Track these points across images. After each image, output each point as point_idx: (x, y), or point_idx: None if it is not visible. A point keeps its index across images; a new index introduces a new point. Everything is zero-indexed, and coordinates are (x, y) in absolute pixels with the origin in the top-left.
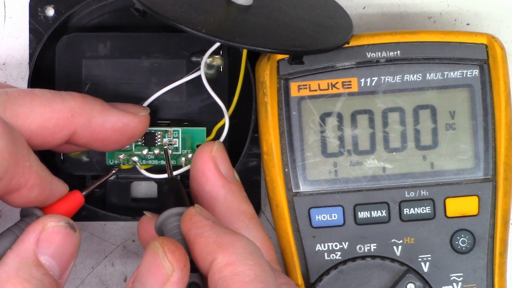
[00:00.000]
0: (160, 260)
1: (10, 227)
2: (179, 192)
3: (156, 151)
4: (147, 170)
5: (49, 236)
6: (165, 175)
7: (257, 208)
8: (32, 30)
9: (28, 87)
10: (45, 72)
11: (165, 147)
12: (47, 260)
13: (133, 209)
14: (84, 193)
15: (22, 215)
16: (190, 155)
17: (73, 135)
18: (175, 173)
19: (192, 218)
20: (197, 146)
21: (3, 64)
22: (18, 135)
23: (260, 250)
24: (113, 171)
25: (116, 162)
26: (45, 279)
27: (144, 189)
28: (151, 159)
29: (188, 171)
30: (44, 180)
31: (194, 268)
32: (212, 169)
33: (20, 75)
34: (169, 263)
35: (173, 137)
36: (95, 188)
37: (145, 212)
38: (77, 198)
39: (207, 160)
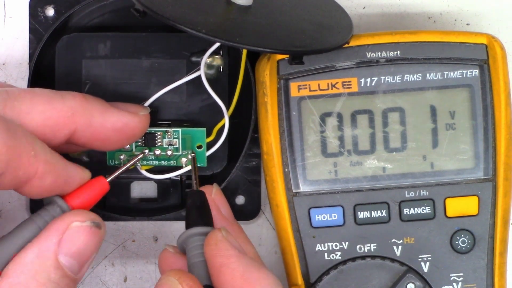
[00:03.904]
0: None
1: (31, 216)
2: (203, 207)
3: (157, 152)
4: (148, 170)
5: (73, 237)
6: (165, 176)
7: (257, 208)
8: (32, 30)
9: (28, 87)
10: (45, 72)
11: (192, 154)
12: (67, 260)
13: (133, 209)
14: (108, 179)
15: (44, 203)
16: (190, 156)
17: (73, 135)
18: (175, 174)
19: (218, 244)
20: (198, 147)
21: (3, 64)
22: (16, 126)
23: None
24: (140, 156)
25: (116, 162)
26: (61, 281)
27: (144, 189)
28: (152, 160)
29: (188, 172)
30: (56, 167)
31: None
32: (213, 212)
33: (20, 75)
34: None
35: (173, 138)
36: (120, 174)
37: (166, 246)
38: (101, 185)
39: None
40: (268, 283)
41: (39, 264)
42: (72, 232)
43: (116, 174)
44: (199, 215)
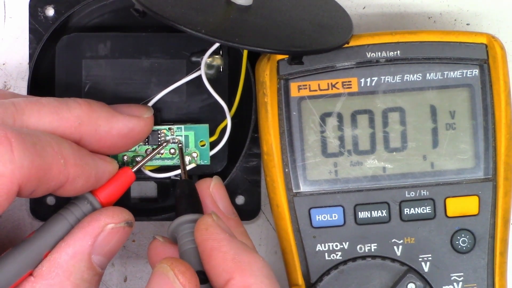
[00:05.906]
0: (171, 283)
1: (61, 212)
2: (192, 195)
3: (161, 151)
4: (150, 170)
5: (107, 238)
6: (165, 175)
7: (257, 208)
8: (32, 30)
9: (28, 87)
10: (45, 72)
11: (179, 145)
12: (99, 259)
13: (133, 209)
14: (134, 169)
15: (72, 197)
16: (194, 154)
17: (79, 143)
18: (175, 173)
19: (208, 228)
20: (201, 145)
21: (3, 64)
22: (40, 136)
23: (273, 273)
24: (164, 144)
25: (120, 162)
26: (93, 279)
27: (144, 189)
28: (155, 159)
29: (188, 171)
30: (85, 168)
31: (204, 279)
32: (209, 206)
33: (20, 75)
34: (181, 285)
35: (176, 135)
36: (144, 164)
37: (155, 236)
38: (128, 176)
39: (205, 197)
40: (259, 267)
41: (73, 265)
42: (107, 234)
43: (140, 164)
44: (188, 203)
